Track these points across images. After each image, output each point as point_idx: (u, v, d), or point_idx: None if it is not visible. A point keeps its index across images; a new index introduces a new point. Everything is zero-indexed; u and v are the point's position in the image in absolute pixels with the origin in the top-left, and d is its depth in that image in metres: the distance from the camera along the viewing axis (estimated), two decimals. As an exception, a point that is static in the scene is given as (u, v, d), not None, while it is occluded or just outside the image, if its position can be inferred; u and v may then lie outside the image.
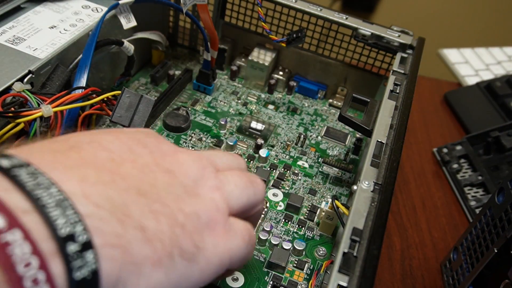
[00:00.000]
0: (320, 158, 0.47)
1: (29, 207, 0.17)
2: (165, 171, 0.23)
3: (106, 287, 0.18)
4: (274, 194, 0.42)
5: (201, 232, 0.23)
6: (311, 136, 0.50)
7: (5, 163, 0.18)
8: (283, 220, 0.41)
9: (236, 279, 0.35)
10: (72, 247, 0.17)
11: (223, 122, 0.48)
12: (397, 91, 0.42)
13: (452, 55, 0.78)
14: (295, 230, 0.40)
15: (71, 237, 0.17)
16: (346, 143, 0.50)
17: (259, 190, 0.28)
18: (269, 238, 0.38)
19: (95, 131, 0.24)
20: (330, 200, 0.43)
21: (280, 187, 0.43)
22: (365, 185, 0.32)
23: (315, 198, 0.43)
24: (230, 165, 0.28)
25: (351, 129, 0.50)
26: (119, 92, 0.35)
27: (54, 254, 0.17)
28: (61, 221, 0.17)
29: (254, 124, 0.48)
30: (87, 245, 0.18)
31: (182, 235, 0.22)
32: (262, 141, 0.46)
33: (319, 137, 0.50)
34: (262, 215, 0.39)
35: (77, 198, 0.18)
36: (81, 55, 0.38)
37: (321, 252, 0.39)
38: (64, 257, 0.17)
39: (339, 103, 0.54)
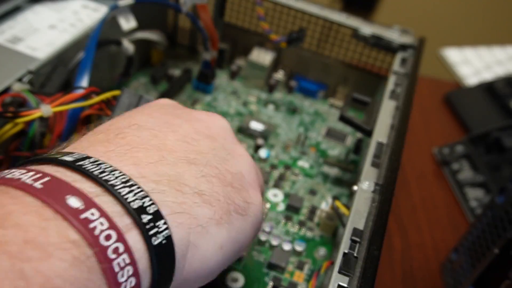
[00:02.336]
0: (320, 158, 0.47)
1: (99, 191, 0.19)
2: (205, 136, 0.25)
3: (180, 251, 0.20)
4: (274, 195, 0.42)
5: (247, 189, 0.26)
6: (311, 136, 0.50)
7: (68, 158, 0.20)
8: (283, 221, 0.40)
9: (236, 280, 0.35)
10: (145, 218, 0.19)
11: (223, 122, 0.48)
12: (398, 91, 0.42)
13: (452, 55, 0.78)
14: (295, 230, 0.40)
15: (142, 210, 0.19)
16: (347, 143, 0.49)
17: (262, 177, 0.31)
18: (269, 238, 0.38)
19: (128, 114, 0.26)
20: (330, 200, 0.43)
21: (280, 187, 0.43)
22: (366, 186, 0.32)
23: (315, 198, 0.43)
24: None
25: (351, 129, 0.50)
26: (119, 92, 0.35)
27: (130, 226, 0.19)
28: (131, 197, 0.19)
29: (254, 124, 0.48)
30: (158, 215, 0.20)
31: (233, 192, 0.24)
32: (262, 141, 0.46)
33: (319, 137, 0.50)
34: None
35: (136, 179, 0.20)
36: (81, 55, 0.38)
37: (321, 252, 0.39)
38: (140, 227, 0.19)
39: (339, 103, 0.54)
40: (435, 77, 0.72)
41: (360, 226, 0.29)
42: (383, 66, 0.51)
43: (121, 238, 0.18)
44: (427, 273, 0.45)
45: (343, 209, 0.36)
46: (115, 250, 0.17)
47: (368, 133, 0.39)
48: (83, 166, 0.19)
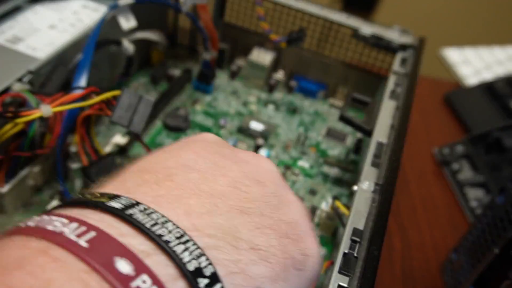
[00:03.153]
0: (320, 158, 0.47)
1: (151, 247, 0.16)
2: (256, 182, 0.23)
3: None
4: (274, 195, 0.42)
5: (303, 239, 0.23)
6: (311, 136, 0.50)
7: (116, 204, 0.18)
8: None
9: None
10: (203, 282, 0.17)
11: (223, 122, 0.48)
12: (398, 91, 0.42)
13: (453, 55, 0.78)
14: (295, 230, 0.40)
15: (199, 272, 0.17)
16: (347, 143, 0.49)
17: None
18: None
19: (171, 149, 0.24)
20: (330, 200, 0.43)
21: (280, 187, 0.43)
22: (366, 186, 0.32)
23: (315, 198, 0.43)
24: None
25: (351, 129, 0.50)
26: (119, 92, 0.35)
27: None
28: (187, 256, 0.17)
29: (254, 124, 0.48)
30: (215, 278, 0.17)
31: (290, 244, 0.22)
32: (262, 141, 0.46)
33: (319, 137, 0.50)
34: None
35: (190, 232, 0.18)
36: (81, 55, 0.38)
37: (321, 252, 0.38)
38: None
39: (339, 103, 0.54)
40: (435, 77, 0.72)
41: (360, 226, 0.29)
42: (383, 66, 0.51)
43: None
44: (427, 273, 0.45)
45: (343, 209, 0.36)
46: None
47: (368, 133, 0.39)
48: (133, 216, 0.17)
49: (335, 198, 0.38)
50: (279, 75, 0.54)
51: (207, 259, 0.17)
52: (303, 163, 0.46)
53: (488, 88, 0.67)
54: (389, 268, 0.45)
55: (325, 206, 0.42)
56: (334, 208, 0.37)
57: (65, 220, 0.16)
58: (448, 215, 0.52)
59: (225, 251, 0.19)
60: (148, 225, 0.17)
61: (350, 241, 0.28)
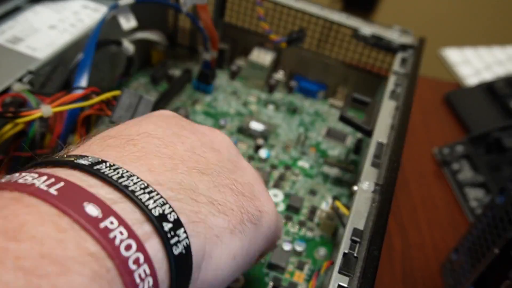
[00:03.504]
0: (320, 159, 0.47)
1: (118, 196, 0.18)
2: (211, 149, 0.25)
3: (196, 261, 0.20)
4: (274, 195, 0.42)
5: (259, 198, 0.26)
6: (311, 136, 0.50)
7: (84, 162, 0.19)
8: (283, 221, 0.40)
9: (236, 280, 0.35)
10: (167, 226, 0.18)
11: (223, 122, 0.48)
12: (398, 91, 0.42)
13: (453, 55, 0.78)
14: (295, 230, 0.40)
15: (163, 217, 0.19)
16: (347, 143, 0.49)
17: None
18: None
19: (133, 122, 0.25)
20: (330, 200, 0.43)
21: (280, 187, 0.43)
22: (366, 186, 0.32)
23: (315, 198, 0.43)
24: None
25: (351, 129, 0.50)
26: (119, 92, 0.35)
27: (150, 234, 0.18)
28: (151, 204, 0.18)
29: (254, 124, 0.48)
30: (178, 223, 0.19)
31: (245, 201, 0.24)
32: (262, 141, 0.46)
33: (320, 137, 0.50)
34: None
35: (154, 186, 0.20)
36: (81, 55, 0.38)
37: (322, 252, 0.39)
38: (161, 235, 0.18)
39: (339, 103, 0.54)
40: (435, 77, 0.72)
41: (360, 226, 0.29)
42: (383, 66, 0.51)
43: (141, 248, 0.17)
44: (427, 273, 0.45)
45: (343, 209, 0.36)
46: (136, 261, 0.17)
47: (368, 133, 0.39)
48: (101, 170, 0.19)
49: (335, 198, 0.38)
50: (279, 75, 0.54)
51: (170, 207, 0.19)
52: (303, 163, 0.46)
53: (488, 88, 0.67)
54: (389, 268, 0.45)
55: (325, 206, 0.42)
56: (334, 208, 0.37)
57: (35, 175, 0.18)
58: (448, 215, 0.52)
59: (186, 203, 0.21)
60: (114, 177, 0.18)
61: (350, 241, 0.28)
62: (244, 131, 0.48)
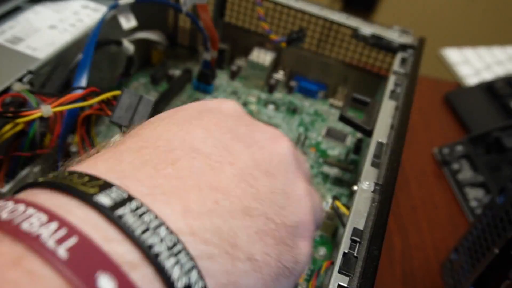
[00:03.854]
0: (320, 158, 0.47)
1: (138, 258, 0.15)
2: (265, 173, 0.21)
3: None
4: (274, 195, 0.42)
5: (299, 245, 0.22)
6: (311, 136, 0.50)
7: (106, 200, 0.16)
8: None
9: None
10: None
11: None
12: (398, 91, 0.42)
13: (452, 55, 0.78)
14: (295, 230, 0.40)
15: None
16: (347, 143, 0.49)
17: (323, 216, 0.27)
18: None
19: (181, 116, 0.21)
20: (330, 200, 0.43)
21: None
22: (366, 186, 0.32)
23: (315, 198, 0.43)
24: (307, 175, 0.26)
25: (351, 129, 0.50)
26: (119, 92, 0.35)
27: None
28: (176, 272, 0.15)
29: (254, 124, 0.48)
30: None
31: (285, 252, 0.21)
32: (262, 141, 0.46)
33: (320, 137, 0.50)
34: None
35: (185, 238, 0.16)
36: (81, 55, 0.38)
37: (321, 252, 0.38)
38: None
39: (339, 103, 0.54)
40: (435, 77, 0.72)
41: (360, 226, 0.29)
42: (383, 66, 0.51)
43: None
44: (427, 273, 0.45)
45: (343, 209, 0.36)
46: None
47: (368, 133, 0.39)
48: (122, 219, 0.15)
49: (335, 198, 0.38)
50: (279, 75, 0.54)
51: (199, 272, 0.16)
52: (303, 163, 0.46)
53: (488, 88, 0.67)
54: (389, 268, 0.45)
55: (325, 206, 0.42)
56: (334, 208, 0.37)
57: (43, 218, 0.14)
58: (448, 215, 0.52)
59: (219, 261, 0.17)
60: (138, 232, 0.15)
61: (350, 241, 0.28)
62: (244, 131, 0.48)
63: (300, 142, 0.48)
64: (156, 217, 0.16)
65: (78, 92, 0.34)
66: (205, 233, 0.17)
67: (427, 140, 0.61)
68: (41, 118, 0.33)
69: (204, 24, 0.45)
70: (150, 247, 0.15)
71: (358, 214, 0.30)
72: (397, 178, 0.32)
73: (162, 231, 0.16)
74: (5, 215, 0.15)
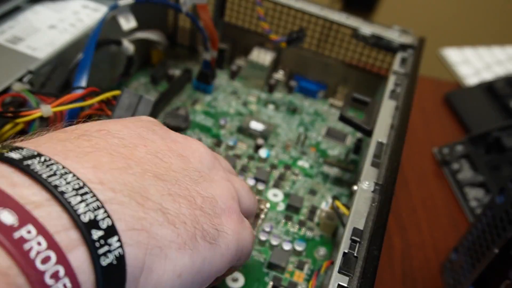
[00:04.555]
0: (320, 158, 0.47)
1: (44, 198, 0.16)
2: (178, 156, 0.23)
3: (132, 273, 0.18)
4: (274, 195, 0.42)
5: (219, 216, 0.23)
6: (311, 136, 0.50)
7: (15, 155, 0.17)
8: (283, 221, 0.40)
9: (236, 280, 0.35)
10: (96, 233, 0.17)
11: (223, 122, 0.48)
12: (398, 91, 0.42)
13: (452, 55, 0.78)
14: (295, 230, 0.40)
15: (94, 223, 0.17)
16: (347, 143, 0.49)
17: (255, 202, 0.29)
18: (269, 238, 0.38)
19: (100, 121, 0.23)
20: (330, 200, 0.43)
21: (280, 187, 0.43)
22: (366, 185, 0.32)
23: (315, 198, 0.43)
24: (230, 170, 0.29)
25: (351, 129, 0.50)
26: (119, 92, 0.35)
27: (77, 242, 0.16)
28: (81, 208, 0.17)
29: (254, 124, 0.48)
30: (111, 230, 0.17)
31: (202, 217, 0.22)
32: (262, 141, 0.46)
33: (319, 137, 0.50)
34: (263, 216, 0.39)
35: (93, 185, 0.18)
36: (81, 55, 0.38)
37: (321, 252, 0.39)
38: (88, 244, 0.16)
39: (339, 103, 0.54)
40: (435, 77, 0.72)
41: (360, 226, 0.29)
42: (383, 66, 0.51)
43: (62, 260, 0.15)
44: (427, 273, 0.45)
45: (343, 209, 0.36)
46: (54, 275, 0.15)
47: (368, 133, 0.39)
48: (31, 167, 0.17)
49: (335, 198, 0.38)
50: (279, 75, 0.54)
51: (105, 211, 0.17)
52: (303, 163, 0.46)
53: (488, 88, 0.67)
54: (389, 268, 0.45)
55: (325, 205, 0.42)
56: (334, 208, 0.37)
57: None
58: (448, 215, 0.52)
59: (129, 207, 0.18)
60: (44, 176, 0.17)
61: (350, 241, 0.28)
62: (244, 131, 0.48)
63: (300, 142, 0.48)
64: (64, 167, 0.18)
65: (78, 92, 0.34)
66: (114, 184, 0.19)
67: (427, 140, 0.61)
68: (41, 118, 0.33)
69: (204, 24, 0.45)
70: (56, 187, 0.17)
71: (358, 214, 0.30)
72: (397, 178, 0.32)
73: (69, 177, 0.17)
74: None
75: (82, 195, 0.17)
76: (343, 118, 0.41)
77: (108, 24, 0.40)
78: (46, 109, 0.31)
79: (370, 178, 0.33)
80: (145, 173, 0.20)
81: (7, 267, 0.14)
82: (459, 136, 0.61)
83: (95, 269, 0.16)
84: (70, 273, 0.16)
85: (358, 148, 0.48)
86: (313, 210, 0.42)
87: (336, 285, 0.26)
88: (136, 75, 0.52)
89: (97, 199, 0.17)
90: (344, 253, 0.27)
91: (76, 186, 0.17)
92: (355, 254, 0.27)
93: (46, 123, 0.35)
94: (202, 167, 0.24)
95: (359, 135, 0.49)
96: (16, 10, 0.41)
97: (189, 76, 0.52)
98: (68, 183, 0.17)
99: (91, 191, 0.17)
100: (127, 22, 0.42)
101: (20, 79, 0.35)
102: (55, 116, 0.34)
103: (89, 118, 0.37)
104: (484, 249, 0.37)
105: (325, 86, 0.55)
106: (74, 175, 0.17)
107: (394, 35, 0.48)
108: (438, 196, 0.54)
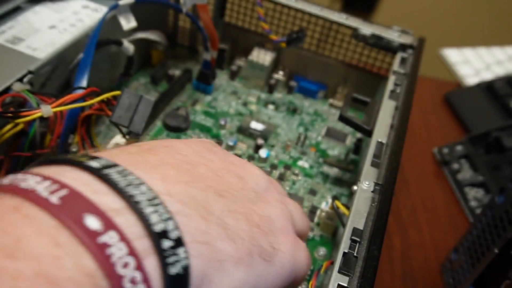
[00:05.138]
0: (320, 158, 0.47)
1: (122, 206, 0.17)
2: (236, 176, 0.24)
3: (194, 284, 0.19)
4: (274, 195, 0.42)
5: (275, 234, 0.24)
6: (311, 136, 0.50)
7: (95, 164, 0.18)
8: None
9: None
10: (166, 243, 0.17)
11: (223, 122, 0.48)
12: (397, 91, 0.42)
13: (452, 55, 0.78)
14: (295, 230, 0.40)
15: (164, 234, 0.18)
16: (347, 143, 0.49)
17: (308, 224, 0.29)
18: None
19: (166, 139, 0.25)
20: (330, 200, 0.43)
21: (280, 187, 0.43)
22: (366, 185, 0.32)
23: (315, 198, 0.43)
24: (284, 194, 0.29)
25: (351, 129, 0.50)
26: (119, 92, 0.35)
27: (149, 251, 0.17)
28: (154, 218, 0.18)
29: (254, 124, 0.48)
30: (179, 242, 0.18)
31: (260, 234, 0.23)
32: (262, 141, 0.46)
33: (319, 137, 0.50)
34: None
35: (163, 197, 0.19)
36: (81, 55, 0.38)
37: (321, 252, 0.39)
38: (159, 253, 0.17)
39: (339, 103, 0.54)
40: (435, 77, 0.72)
41: (360, 226, 0.29)
42: (383, 66, 0.51)
43: (139, 266, 0.16)
44: (427, 273, 0.45)
45: (343, 209, 0.36)
46: (132, 280, 0.16)
47: (368, 133, 0.39)
48: (109, 176, 0.18)
49: (335, 198, 0.38)
50: (279, 75, 0.55)
51: (175, 223, 0.18)
52: (303, 163, 0.46)
53: (488, 88, 0.67)
54: (389, 268, 0.45)
55: (325, 206, 0.42)
56: (334, 208, 0.37)
57: (38, 178, 0.17)
58: (448, 215, 0.52)
59: (194, 220, 0.19)
60: (122, 185, 0.18)
61: (350, 241, 0.28)
62: (244, 131, 0.48)
63: (300, 142, 0.48)
64: (137, 177, 0.19)
65: (79, 92, 0.34)
66: (181, 196, 0.20)
67: (427, 140, 0.61)
68: (41, 118, 0.33)
69: (204, 24, 0.45)
70: (132, 196, 0.18)
71: (358, 214, 0.30)
72: (397, 178, 0.32)
73: (143, 187, 0.18)
74: (6, 181, 0.17)
75: (155, 205, 0.18)
76: (343, 118, 0.41)
77: (108, 24, 0.40)
78: (47, 109, 0.31)
79: (370, 178, 0.33)
80: (207, 188, 0.22)
81: (93, 269, 0.15)
82: (459, 136, 0.61)
83: (164, 277, 0.17)
84: (146, 279, 0.16)
85: (358, 148, 0.48)
86: (313, 210, 0.42)
87: (336, 285, 0.26)
88: (136, 75, 0.52)
89: (168, 210, 0.18)
90: (344, 253, 0.27)
91: (150, 197, 0.18)
92: (355, 254, 0.27)
93: (46, 123, 0.35)
94: (258, 188, 0.25)
95: (359, 135, 0.49)
96: (16, 10, 0.41)
97: (189, 76, 0.52)
98: (142, 193, 0.18)
99: (163, 202, 0.18)
100: (127, 22, 0.42)
101: (20, 79, 0.35)
102: (55, 116, 0.34)
103: (89, 118, 0.37)
104: (484, 249, 0.37)
105: (325, 86, 0.55)
106: (147, 186, 0.18)
107: (394, 35, 0.48)
108: (438, 196, 0.54)
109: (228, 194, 0.23)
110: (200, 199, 0.21)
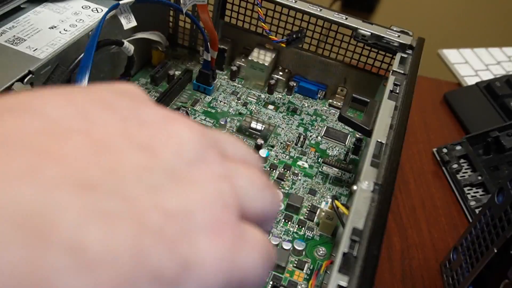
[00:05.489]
0: (320, 158, 0.47)
1: None
2: (138, 147, 0.15)
3: None
4: (274, 194, 0.42)
5: (193, 239, 0.14)
6: (311, 136, 0.50)
7: None
8: (283, 220, 0.41)
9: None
10: None
11: (223, 122, 0.48)
12: (397, 91, 0.42)
13: (452, 55, 0.78)
14: (295, 230, 0.40)
15: None
16: (346, 143, 0.50)
17: (277, 200, 0.19)
18: (269, 238, 0.38)
19: (39, 91, 0.15)
20: (330, 200, 0.43)
21: (280, 187, 0.43)
22: (365, 185, 0.32)
23: (315, 198, 0.43)
24: (245, 156, 0.19)
25: (351, 129, 0.50)
26: (119, 92, 0.35)
27: None
28: None
29: (254, 124, 0.48)
30: None
31: (155, 246, 0.13)
32: (262, 141, 0.46)
33: (319, 137, 0.50)
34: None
35: None
36: (81, 56, 0.38)
37: (321, 252, 0.39)
38: None
39: (339, 103, 0.54)
40: (434, 77, 0.72)
41: (360, 226, 0.29)
42: (383, 66, 0.51)
43: None
44: (426, 272, 0.45)
45: (342, 209, 0.36)
46: None
47: (368, 133, 0.39)
48: None
49: (334, 197, 0.38)
50: (279, 75, 0.55)
51: None
52: (303, 163, 0.46)
53: (487, 88, 0.67)
54: (388, 267, 0.45)
55: (324, 205, 0.42)
56: (334, 208, 0.37)
57: None
58: (447, 215, 0.52)
59: (16, 248, 0.11)
60: None
61: (349, 240, 0.28)
62: (244, 131, 0.48)
63: (299, 142, 0.48)
64: None
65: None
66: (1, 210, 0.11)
67: (426, 140, 0.61)
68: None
69: (204, 25, 0.45)
70: None
71: (358, 214, 0.30)
72: (397, 178, 0.32)
73: None
74: None
75: None
76: (342, 118, 0.41)
77: (109, 24, 0.40)
78: (47, 109, 0.31)
79: (369, 178, 0.33)
80: (62, 182, 0.12)
81: None
82: (458, 136, 0.61)
83: None
84: None
85: (358, 148, 0.48)
86: (312, 210, 0.42)
87: (336, 284, 0.26)
88: (136, 75, 0.52)
89: None
90: (344, 253, 0.28)
91: None
92: (354, 254, 0.28)
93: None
94: (178, 162, 0.15)
95: (358, 135, 0.50)
96: (17, 11, 0.41)
97: (189, 76, 0.52)
98: None
99: None
100: (128, 22, 0.42)
101: (21, 80, 0.35)
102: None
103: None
104: (483, 249, 0.37)
105: (325, 86, 0.55)
106: None
107: (393, 36, 0.48)
108: (438, 196, 0.54)
109: (107, 184, 0.13)
110: (37, 207, 0.11)
